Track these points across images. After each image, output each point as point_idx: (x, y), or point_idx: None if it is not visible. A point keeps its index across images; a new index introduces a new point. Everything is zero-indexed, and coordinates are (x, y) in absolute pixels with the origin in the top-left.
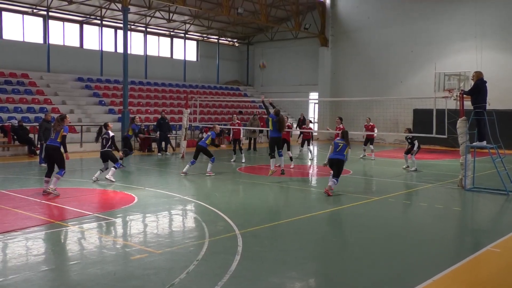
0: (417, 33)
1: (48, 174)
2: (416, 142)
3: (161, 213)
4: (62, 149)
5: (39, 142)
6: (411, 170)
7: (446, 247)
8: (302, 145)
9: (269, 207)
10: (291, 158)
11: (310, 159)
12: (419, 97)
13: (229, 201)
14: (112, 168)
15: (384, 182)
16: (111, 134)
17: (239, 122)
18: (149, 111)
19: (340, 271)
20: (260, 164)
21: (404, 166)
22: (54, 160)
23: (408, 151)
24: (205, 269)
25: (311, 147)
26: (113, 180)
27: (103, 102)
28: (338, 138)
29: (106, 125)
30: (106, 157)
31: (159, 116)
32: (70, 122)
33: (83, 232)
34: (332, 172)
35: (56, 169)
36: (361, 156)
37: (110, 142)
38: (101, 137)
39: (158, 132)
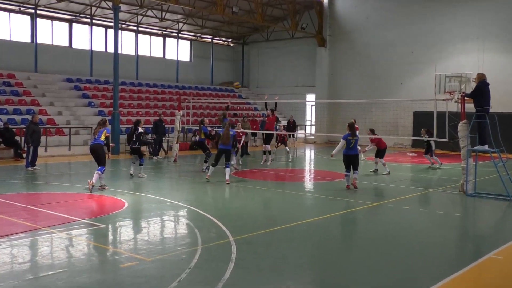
0: (418, 34)
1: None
2: (432, 142)
3: (152, 219)
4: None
5: (25, 145)
6: (436, 167)
7: (447, 254)
8: (284, 145)
9: (264, 212)
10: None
11: (289, 162)
12: (419, 99)
13: (222, 206)
14: (140, 166)
15: (383, 187)
16: (140, 130)
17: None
18: (140, 113)
19: (338, 279)
20: (254, 168)
21: (428, 166)
22: (97, 156)
23: (427, 152)
24: (198, 277)
25: (288, 148)
26: (145, 175)
27: (92, 104)
28: (348, 134)
29: (138, 123)
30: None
31: (157, 118)
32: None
33: (70, 239)
34: (347, 170)
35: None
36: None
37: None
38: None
39: (150, 135)
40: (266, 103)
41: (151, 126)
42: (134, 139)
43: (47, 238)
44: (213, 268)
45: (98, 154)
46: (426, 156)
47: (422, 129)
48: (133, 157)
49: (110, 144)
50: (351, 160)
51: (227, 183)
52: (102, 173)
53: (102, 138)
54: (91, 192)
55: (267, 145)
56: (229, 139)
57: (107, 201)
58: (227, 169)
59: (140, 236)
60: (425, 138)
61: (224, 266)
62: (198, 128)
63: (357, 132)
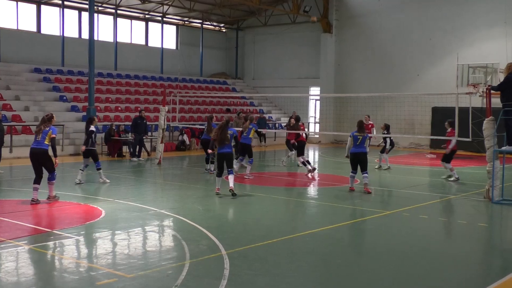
0: (437, 18)
1: (37, 181)
2: (388, 140)
3: (133, 230)
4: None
5: None
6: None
7: (470, 271)
8: (302, 153)
9: (262, 222)
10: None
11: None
12: (438, 93)
13: (214, 215)
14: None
15: (397, 193)
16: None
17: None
18: (119, 108)
19: None
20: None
21: (376, 167)
22: (43, 164)
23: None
24: None
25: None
26: (107, 180)
27: (64, 98)
28: (355, 131)
29: (91, 120)
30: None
31: (137, 114)
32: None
33: (39, 253)
34: (353, 170)
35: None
36: (376, 167)
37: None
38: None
39: (131, 134)
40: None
41: (131, 123)
42: (85, 139)
43: (12, 252)
44: (203, 286)
45: (43, 162)
46: (382, 154)
47: (382, 125)
48: (84, 161)
49: (57, 146)
50: (358, 159)
51: (231, 191)
52: (55, 179)
53: (47, 141)
54: (34, 202)
55: (300, 157)
56: (226, 140)
57: (82, 210)
58: (231, 175)
59: (120, 250)
60: (383, 135)
61: (216, 283)
62: (184, 127)
63: (373, 130)
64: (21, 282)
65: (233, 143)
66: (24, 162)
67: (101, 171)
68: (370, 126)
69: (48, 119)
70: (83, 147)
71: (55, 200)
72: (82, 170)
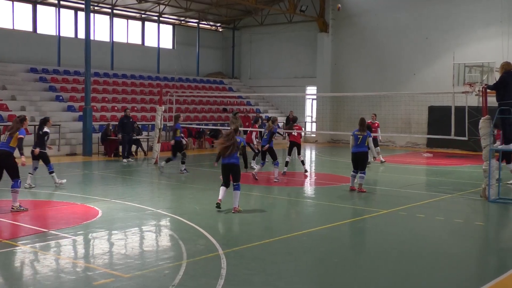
0: (434, 18)
1: None
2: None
3: (130, 230)
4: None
5: None
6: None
7: (467, 269)
8: (289, 153)
9: (259, 221)
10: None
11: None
12: (435, 92)
13: (211, 215)
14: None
15: (394, 192)
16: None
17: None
18: (116, 108)
19: None
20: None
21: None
22: (5, 168)
23: None
24: None
25: (302, 157)
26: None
27: (60, 98)
28: (356, 129)
29: (45, 121)
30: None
31: (123, 114)
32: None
33: (36, 253)
34: (354, 169)
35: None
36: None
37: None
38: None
39: (120, 134)
40: None
41: (117, 123)
42: (36, 141)
43: (9, 252)
44: (200, 285)
45: (6, 166)
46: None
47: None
48: (33, 163)
49: (52, 146)
50: (356, 158)
51: (233, 212)
52: (19, 187)
53: (12, 143)
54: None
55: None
56: (232, 149)
57: (78, 210)
58: (236, 192)
59: (117, 249)
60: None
61: (213, 282)
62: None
63: (379, 130)
64: (18, 283)
65: (239, 153)
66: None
67: (54, 174)
68: (376, 125)
69: (20, 121)
70: (37, 150)
71: (21, 210)
72: (32, 174)
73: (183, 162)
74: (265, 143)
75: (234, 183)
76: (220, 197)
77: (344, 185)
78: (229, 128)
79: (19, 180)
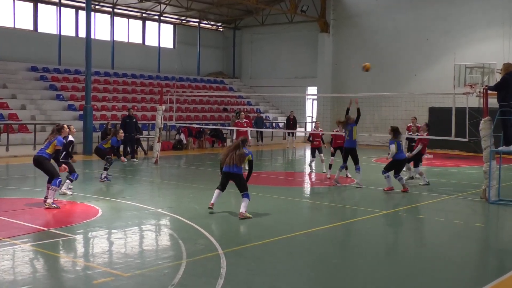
0: (434, 18)
1: (49, 180)
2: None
3: (130, 229)
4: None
5: None
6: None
7: (467, 271)
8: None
9: (258, 222)
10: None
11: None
12: (435, 93)
13: (210, 215)
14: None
15: (394, 193)
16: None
17: (248, 121)
18: (116, 107)
19: None
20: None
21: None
22: (43, 171)
23: None
24: None
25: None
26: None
27: (61, 97)
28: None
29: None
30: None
31: (125, 114)
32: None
33: (36, 252)
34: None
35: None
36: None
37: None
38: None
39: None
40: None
41: (117, 123)
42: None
43: (9, 250)
44: (200, 285)
45: (43, 168)
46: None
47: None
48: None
49: (68, 159)
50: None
51: (240, 217)
52: (58, 186)
53: (50, 150)
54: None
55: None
56: (233, 157)
57: (78, 208)
58: (244, 199)
59: (116, 248)
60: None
61: (212, 282)
62: (181, 126)
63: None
64: (18, 281)
65: (246, 168)
66: (20, 160)
67: (68, 182)
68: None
69: (57, 130)
70: (63, 167)
71: (52, 207)
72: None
73: (105, 169)
74: (353, 145)
75: (242, 192)
76: (212, 201)
77: (344, 185)
78: (229, 128)
79: (59, 179)
